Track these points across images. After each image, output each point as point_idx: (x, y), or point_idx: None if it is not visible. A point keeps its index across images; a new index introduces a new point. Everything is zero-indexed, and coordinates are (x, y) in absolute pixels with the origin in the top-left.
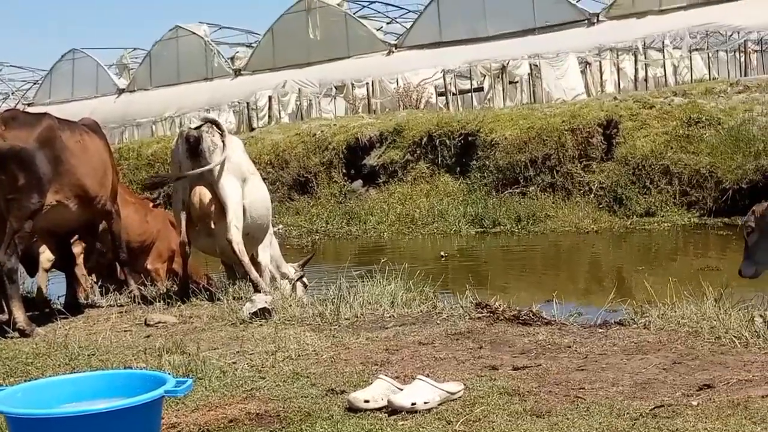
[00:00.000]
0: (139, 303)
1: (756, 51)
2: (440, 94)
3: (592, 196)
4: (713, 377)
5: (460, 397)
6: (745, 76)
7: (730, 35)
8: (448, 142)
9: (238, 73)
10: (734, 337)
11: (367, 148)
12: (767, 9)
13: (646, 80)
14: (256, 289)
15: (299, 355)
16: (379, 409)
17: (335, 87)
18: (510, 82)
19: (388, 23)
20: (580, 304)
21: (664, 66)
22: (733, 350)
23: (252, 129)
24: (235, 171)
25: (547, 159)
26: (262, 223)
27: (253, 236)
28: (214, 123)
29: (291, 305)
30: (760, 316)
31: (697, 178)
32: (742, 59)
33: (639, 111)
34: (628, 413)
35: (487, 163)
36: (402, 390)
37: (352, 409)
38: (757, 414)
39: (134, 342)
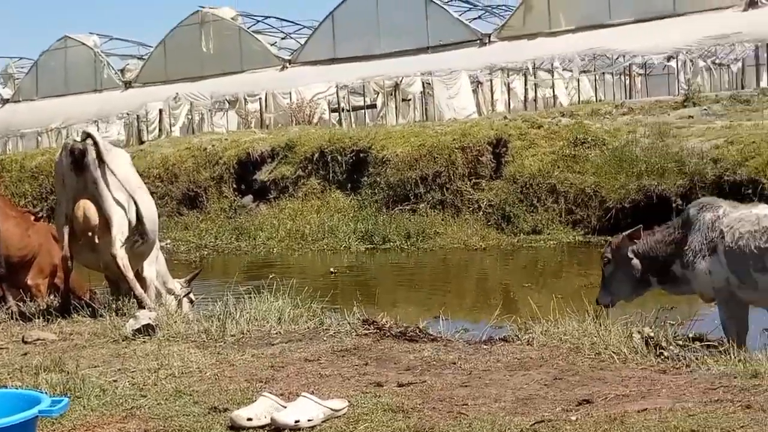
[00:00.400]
0: (16, 319)
1: (640, 75)
2: (333, 110)
3: (481, 213)
4: (592, 392)
5: (344, 414)
6: (630, 98)
7: (616, 58)
8: (339, 158)
9: (128, 85)
10: (613, 353)
11: (259, 164)
12: (650, 34)
13: (535, 101)
14: (141, 305)
15: (182, 373)
16: (263, 427)
17: (228, 101)
18: (403, 100)
19: (282, 38)
20: (467, 321)
21: (553, 87)
22: (612, 366)
23: (142, 142)
24: (122, 185)
25: (438, 176)
26: (148, 238)
27: (138, 251)
28: (90, 136)
29: (176, 321)
30: (638, 332)
31: (582, 197)
32: (627, 82)
33: (528, 130)
34: (509, 429)
35: (378, 179)
36: (286, 407)
37: (235, 427)
38: (632, 428)
39: (10, 360)
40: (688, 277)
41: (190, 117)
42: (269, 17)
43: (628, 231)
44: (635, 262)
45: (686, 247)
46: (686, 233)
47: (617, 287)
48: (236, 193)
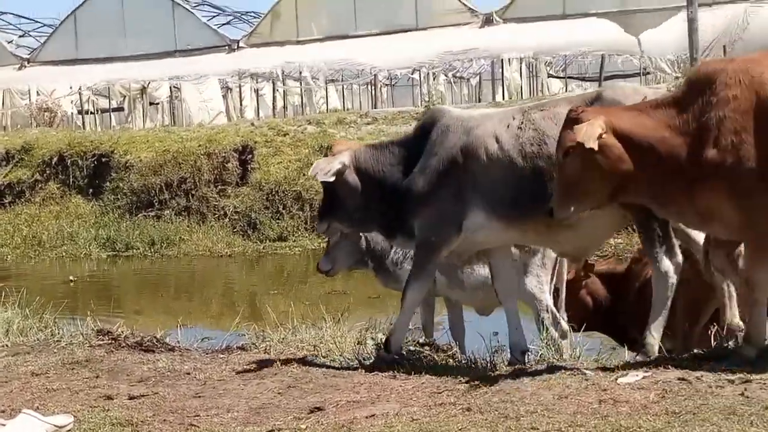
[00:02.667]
0: None
1: (386, 85)
2: (80, 112)
3: (227, 220)
4: (324, 399)
5: (69, 430)
6: (375, 108)
7: (362, 70)
8: (80, 162)
9: None
10: (347, 359)
11: None
12: (395, 47)
13: (285, 108)
14: None
15: None
16: None
17: None
18: (151, 104)
19: (20, 36)
20: (210, 329)
21: (301, 95)
22: (345, 372)
23: None
24: None
25: (183, 182)
26: None
27: None
28: None
29: None
30: (371, 338)
31: None
32: (373, 92)
33: (274, 138)
34: None
35: (121, 185)
36: (5, 425)
37: None
38: None
39: None
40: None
41: None
42: (6, 13)
43: None
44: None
45: None
46: None
47: (339, 255)
48: None
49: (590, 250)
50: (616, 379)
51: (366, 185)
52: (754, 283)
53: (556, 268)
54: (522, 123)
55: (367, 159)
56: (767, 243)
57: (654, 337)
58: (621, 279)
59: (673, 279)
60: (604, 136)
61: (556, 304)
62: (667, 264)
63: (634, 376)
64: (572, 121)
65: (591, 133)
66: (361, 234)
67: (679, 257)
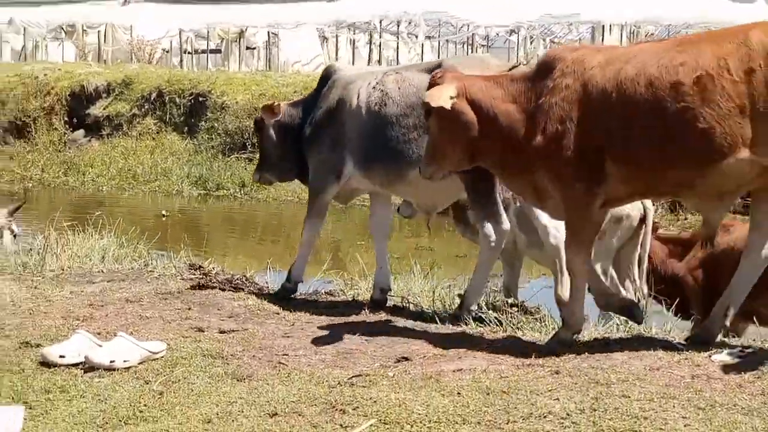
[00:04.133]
0: None
1: (483, 46)
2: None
3: None
4: (411, 350)
5: (162, 357)
6: None
7: (461, 27)
8: (177, 100)
9: None
10: (435, 312)
11: (93, 98)
12: (493, 6)
13: (379, 61)
14: None
15: None
16: (76, 365)
17: (64, 30)
18: (247, 48)
19: None
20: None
21: (397, 49)
22: (432, 326)
23: None
24: None
25: None
26: None
27: None
28: None
29: None
30: (459, 296)
31: None
32: (469, 51)
33: None
34: (326, 381)
35: (216, 125)
36: (102, 347)
37: (46, 363)
38: (446, 387)
39: None
40: None
41: (23, 43)
42: None
43: None
44: None
45: None
46: None
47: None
48: (67, 126)
49: (435, 206)
50: (710, 356)
51: (284, 139)
52: (572, 270)
53: (641, 236)
54: (376, 83)
55: (286, 115)
56: (582, 231)
57: (469, 300)
58: (684, 246)
59: (495, 243)
60: (455, 100)
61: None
62: (489, 229)
63: (728, 355)
64: (431, 84)
65: (440, 95)
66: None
67: (505, 224)
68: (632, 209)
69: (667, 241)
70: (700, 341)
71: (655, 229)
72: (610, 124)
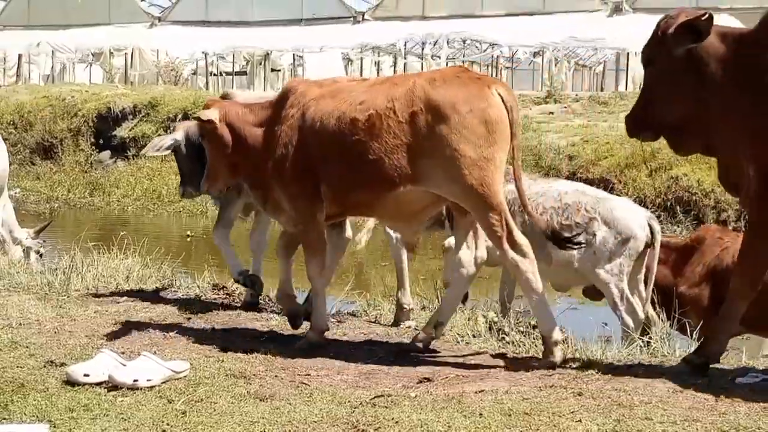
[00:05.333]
0: None
1: (507, 68)
2: (202, 74)
3: None
4: (433, 371)
5: (185, 376)
6: None
7: (485, 49)
8: None
9: None
10: (458, 334)
11: (120, 119)
12: (519, 28)
13: None
14: None
15: (21, 324)
16: (99, 384)
17: (92, 53)
18: (272, 70)
19: None
20: None
21: (421, 71)
22: (454, 347)
23: None
24: None
25: None
26: None
27: None
28: None
29: (18, 271)
30: (483, 316)
31: None
32: (494, 74)
33: None
34: (349, 401)
35: None
36: (125, 366)
37: (70, 382)
38: (468, 408)
39: None
40: None
41: (51, 65)
42: None
43: None
44: None
45: None
46: None
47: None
48: (94, 147)
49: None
50: (734, 379)
51: None
52: (310, 277)
53: (646, 260)
54: None
55: None
56: (310, 241)
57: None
58: (678, 253)
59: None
60: (216, 122)
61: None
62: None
63: (752, 378)
64: (204, 107)
65: (202, 116)
66: None
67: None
68: (639, 230)
69: (660, 246)
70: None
71: None
72: (318, 151)
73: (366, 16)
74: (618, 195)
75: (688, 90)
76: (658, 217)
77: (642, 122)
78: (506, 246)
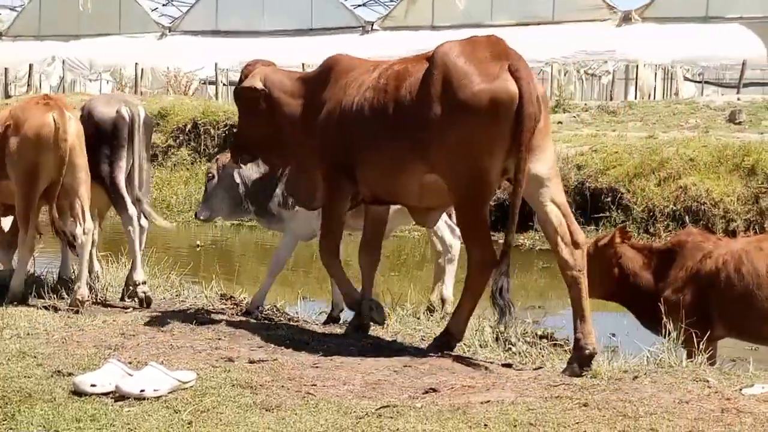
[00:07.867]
0: None
1: None
2: (211, 83)
3: None
4: (440, 381)
5: (191, 386)
6: None
7: None
8: (212, 131)
9: None
10: (464, 344)
11: None
12: (530, 40)
13: None
14: None
15: (28, 334)
16: (106, 394)
17: (103, 64)
18: None
19: (164, 4)
20: (327, 304)
21: None
22: (460, 357)
23: (8, 96)
24: None
25: None
26: None
27: None
28: None
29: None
30: (490, 326)
31: None
32: None
33: None
34: (354, 411)
35: None
36: (132, 376)
37: (78, 392)
38: (473, 419)
39: None
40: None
41: (62, 76)
42: None
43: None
44: (239, 184)
45: None
46: None
47: (216, 203)
48: None
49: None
50: (740, 390)
51: None
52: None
53: None
54: None
55: None
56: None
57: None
58: (657, 256)
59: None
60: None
61: None
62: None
63: (759, 388)
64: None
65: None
66: (237, 180)
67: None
68: None
69: (641, 249)
70: None
71: (628, 237)
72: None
73: (375, 26)
74: (626, 204)
75: None
76: (667, 226)
77: None
78: None
